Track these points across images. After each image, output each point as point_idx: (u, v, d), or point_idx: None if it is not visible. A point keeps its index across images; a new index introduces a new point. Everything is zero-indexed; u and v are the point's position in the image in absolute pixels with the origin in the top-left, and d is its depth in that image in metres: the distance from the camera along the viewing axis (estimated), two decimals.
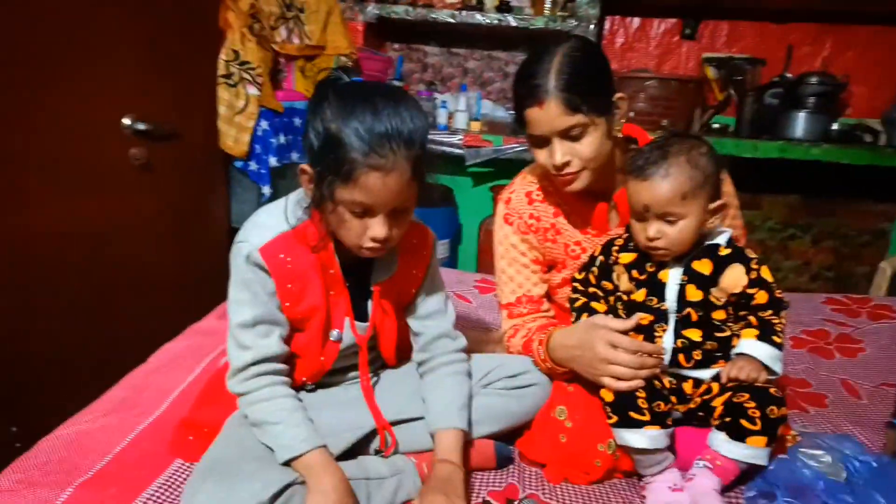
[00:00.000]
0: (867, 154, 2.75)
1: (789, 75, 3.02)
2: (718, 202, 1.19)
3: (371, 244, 1.08)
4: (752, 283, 1.21)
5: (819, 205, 3.18)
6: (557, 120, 1.21)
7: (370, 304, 1.22)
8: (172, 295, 2.17)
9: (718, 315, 1.22)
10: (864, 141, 2.94)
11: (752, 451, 1.14)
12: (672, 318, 1.23)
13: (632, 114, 2.90)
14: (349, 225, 1.07)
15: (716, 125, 3.11)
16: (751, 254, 1.25)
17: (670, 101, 2.88)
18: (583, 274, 1.35)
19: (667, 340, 1.23)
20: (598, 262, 1.33)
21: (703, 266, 1.21)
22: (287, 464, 1.06)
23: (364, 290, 1.22)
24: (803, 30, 3.13)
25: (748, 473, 1.17)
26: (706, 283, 1.21)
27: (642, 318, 1.24)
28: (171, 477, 1.16)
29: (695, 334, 1.22)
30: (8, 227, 1.64)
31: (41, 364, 1.77)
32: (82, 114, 1.82)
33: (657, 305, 1.23)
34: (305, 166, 1.08)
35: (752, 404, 1.14)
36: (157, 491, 1.11)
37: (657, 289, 1.24)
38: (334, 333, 1.20)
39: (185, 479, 1.14)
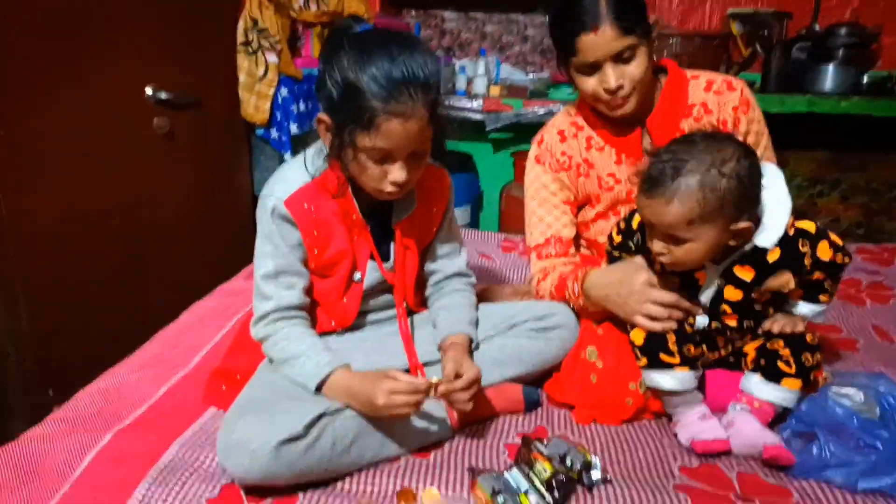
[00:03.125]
0: None
1: (817, 28, 2.93)
2: (743, 224, 1.06)
3: (391, 188, 1.11)
4: (807, 273, 1.13)
5: (848, 160, 3.10)
6: (613, 43, 1.21)
7: (392, 245, 1.25)
8: (199, 261, 2.20)
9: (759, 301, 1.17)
10: (894, 93, 2.85)
11: (787, 394, 1.14)
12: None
13: None
14: (369, 171, 1.09)
15: None
16: (806, 231, 1.11)
17: (694, 58, 2.82)
18: (620, 237, 1.30)
19: (700, 322, 1.20)
20: (623, 228, 1.29)
21: (745, 273, 1.13)
22: (318, 391, 1.09)
23: (386, 231, 1.24)
24: None
25: (779, 416, 1.16)
26: (748, 286, 1.14)
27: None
28: (206, 423, 1.19)
29: (731, 320, 1.19)
30: (41, 202, 1.68)
31: (76, 330, 1.81)
32: (106, 85, 1.84)
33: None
34: (323, 115, 1.11)
35: (787, 351, 1.13)
36: (193, 436, 1.14)
37: (691, 285, 1.19)
38: (357, 275, 1.23)
39: (220, 426, 1.16)
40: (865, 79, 2.86)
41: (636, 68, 1.25)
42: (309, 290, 1.22)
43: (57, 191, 1.72)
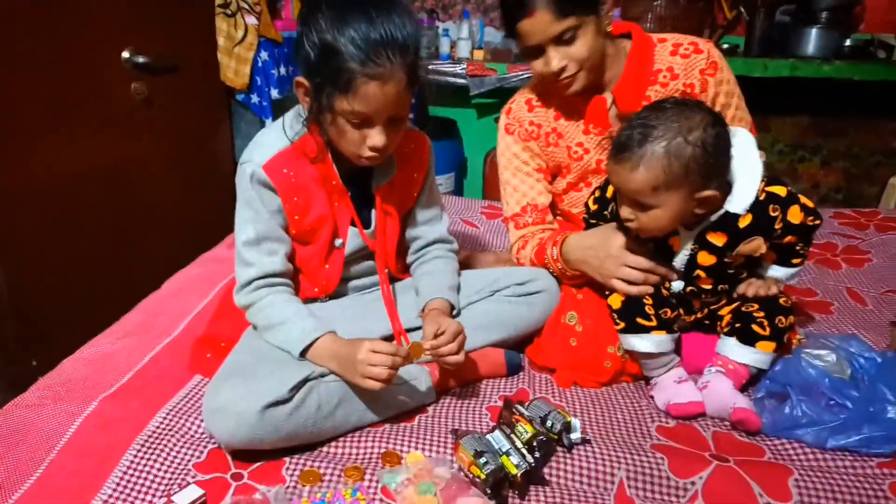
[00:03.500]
0: (881, 69, 2.68)
1: None
2: (708, 192, 1.07)
3: (369, 153, 1.10)
4: (778, 237, 1.15)
5: (830, 125, 3.12)
6: (550, 27, 1.21)
7: (373, 211, 1.25)
8: (182, 228, 2.19)
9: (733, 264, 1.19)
10: (877, 57, 2.86)
11: (761, 356, 1.16)
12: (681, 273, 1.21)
13: None
14: (348, 135, 1.09)
15: (725, 45, 3.03)
16: (777, 196, 1.12)
17: (678, 20, 2.80)
18: (596, 206, 1.32)
19: (676, 286, 1.23)
20: (598, 196, 1.30)
21: (718, 238, 1.14)
22: (303, 356, 1.10)
23: (367, 197, 1.25)
24: None
25: (754, 377, 1.19)
26: (720, 251, 1.16)
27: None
28: (192, 391, 1.20)
29: (706, 283, 1.21)
30: (21, 169, 1.65)
31: (59, 301, 1.81)
32: (82, 49, 1.80)
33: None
34: (301, 79, 1.09)
35: (762, 314, 1.16)
36: (179, 403, 1.15)
37: (665, 251, 1.20)
38: (338, 241, 1.23)
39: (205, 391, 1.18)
40: (848, 42, 2.86)
41: (579, 49, 1.24)
42: (291, 257, 1.22)
43: (33, 157, 1.69)
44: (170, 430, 1.08)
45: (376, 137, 1.08)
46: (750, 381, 1.19)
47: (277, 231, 1.18)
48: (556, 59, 1.24)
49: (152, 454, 1.02)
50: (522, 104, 1.46)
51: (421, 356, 1.10)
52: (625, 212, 1.13)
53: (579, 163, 1.43)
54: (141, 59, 1.95)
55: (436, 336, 1.10)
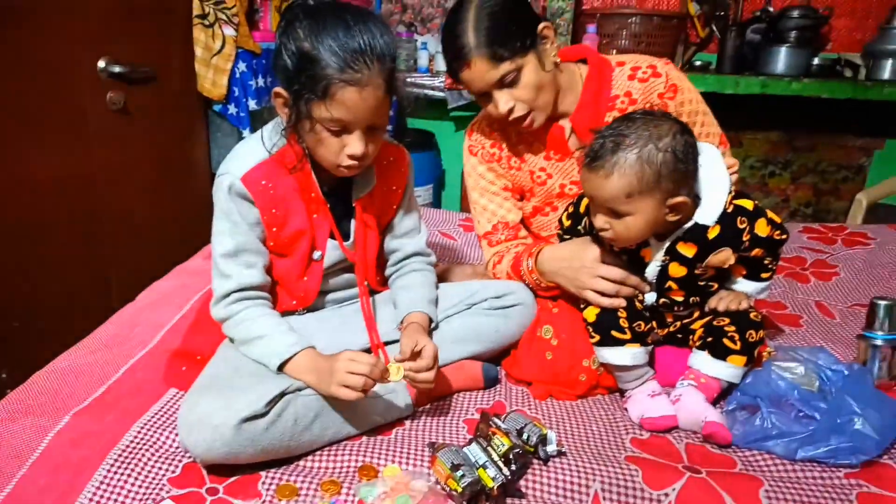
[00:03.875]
0: (848, 87, 2.75)
1: (771, 9, 3.00)
2: (679, 199, 1.09)
3: (348, 162, 1.11)
4: (746, 250, 1.17)
5: (799, 141, 3.20)
6: (488, 74, 1.21)
7: (353, 223, 1.25)
8: (157, 238, 2.17)
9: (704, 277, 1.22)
10: (844, 75, 2.95)
11: (732, 370, 1.19)
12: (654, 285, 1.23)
13: (613, 51, 2.88)
14: (327, 143, 1.09)
15: (698, 62, 3.09)
16: (744, 209, 1.15)
17: (653, 37, 2.86)
18: (570, 221, 1.33)
19: (648, 299, 1.25)
20: (571, 212, 1.32)
21: (688, 249, 1.16)
22: (280, 370, 1.09)
23: (346, 209, 1.25)
24: None
25: (726, 391, 1.22)
26: (690, 262, 1.18)
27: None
28: (166, 404, 1.18)
29: (678, 295, 1.24)
30: None
31: (30, 309, 1.78)
32: (58, 57, 1.78)
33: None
34: (279, 89, 1.10)
35: (733, 328, 1.18)
36: (153, 417, 1.14)
37: (637, 263, 1.22)
38: (317, 254, 1.23)
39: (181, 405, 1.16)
40: (816, 61, 2.93)
41: (524, 89, 1.24)
42: (269, 270, 1.22)
43: (3, 167, 1.66)
44: (144, 444, 1.07)
45: (355, 145, 1.08)
46: (721, 394, 1.21)
47: (255, 243, 1.18)
48: (502, 101, 1.25)
49: (126, 469, 1.00)
50: (484, 127, 1.46)
51: (398, 378, 1.10)
52: (599, 221, 1.14)
53: (542, 187, 1.44)
54: (118, 69, 1.93)
55: (412, 353, 1.11)
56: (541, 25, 1.25)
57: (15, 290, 1.73)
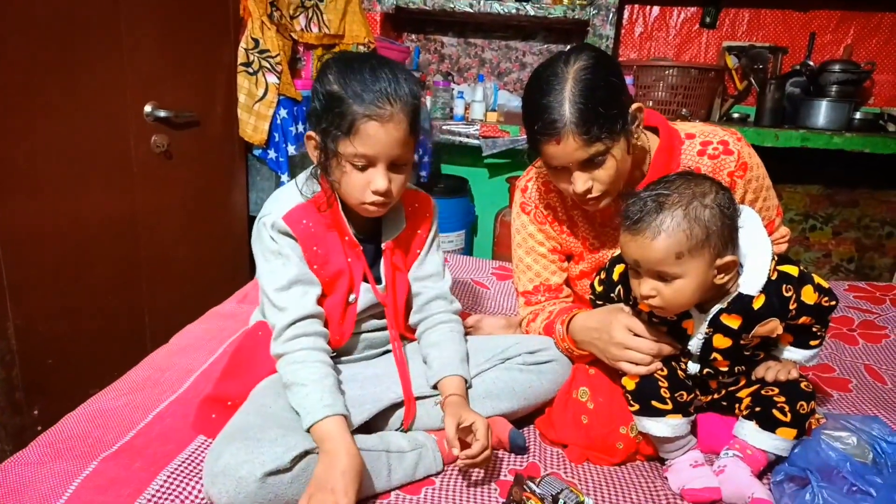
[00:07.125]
0: (891, 143, 2.70)
1: (811, 63, 2.98)
2: (728, 258, 1.05)
3: (373, 198, 1.13)
4: (793, 318, 1.12)
5: (841, 195, 3.14)
6: (577, 153, 1.14)
7: (382, 265, 1.27)
8: (192, 281, 2.18)
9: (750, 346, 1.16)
10: (887, 130, 2.89)
11: (781, 443, 1.13)
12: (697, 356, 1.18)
13: (650, 103, 2.87)
14: (352, 179, 1.12)
15: (735, 115, 3.08)
16: (789, 275, 1.09)
17: (690, 90, 2.86)
18: (602, 287, 1.29)
19: (691, 368, 1.20)
20: (603, 278, 1.27)
21: (732, 321, 1.11)
22: (308, 430, 1.07)
23: (376, 254, 1.27)
24: (826, 17, 3.09)
25: (772, 463, 1.16)
26: (736, 333, 1.12)
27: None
28: (194, 452, 1.17)
29: (723, 365, 1.18)
30: (35, 216, 1.66)
31: (65, 348, 1.79)
32: (107, 102, 1.83)
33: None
34: (311, 132, 1.15)
35: (782, 399, 1.13)
36: (181, 465, 1.12)
37: (679, 335, 1.17)
38: (352, 296, 1.24)
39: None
40: (858, 115, 2.90)
41: (606, 172, 1.16)
42: (321, 302, 1.21)
43: (51, 206, 1.70)
44: (170, 493, 1.05)
45: (378, 180, 1.11)
46: (768, 467, 1.15)
47: (308, 273, 1.19)
48: (580, 181, 1.18)
49: None
50: (540, 185, 1.41)
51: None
52: (645, 288, 1.08)
53: (594, 255, 1.40)
54: (163, 113, 1.98)
55: (462, 429, 1.10)
56: (634, 106, 1.18)
57: (53, 327, 1.75)
